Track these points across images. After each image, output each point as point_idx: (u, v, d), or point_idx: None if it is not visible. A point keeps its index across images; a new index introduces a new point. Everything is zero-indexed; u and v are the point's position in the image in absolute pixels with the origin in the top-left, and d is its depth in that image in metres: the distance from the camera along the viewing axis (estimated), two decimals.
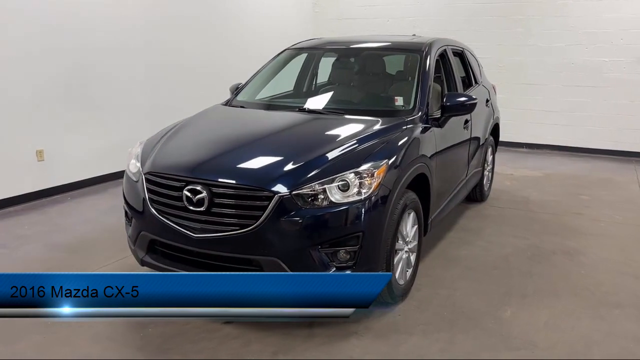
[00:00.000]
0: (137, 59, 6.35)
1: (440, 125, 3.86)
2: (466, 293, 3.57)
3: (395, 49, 4.53)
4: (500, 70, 8.78)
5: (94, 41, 5.77)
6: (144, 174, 3.13)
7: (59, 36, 5.41)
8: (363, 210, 2.86)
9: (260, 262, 2.82)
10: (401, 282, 3.38)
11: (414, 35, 5.52)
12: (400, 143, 3.27)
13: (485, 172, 5.64)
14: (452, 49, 4.84)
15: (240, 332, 3.03)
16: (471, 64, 5.30)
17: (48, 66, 5.35)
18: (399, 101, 3.87)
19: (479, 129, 5.03)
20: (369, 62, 4.47)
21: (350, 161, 2.96)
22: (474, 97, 3.93)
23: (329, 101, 4.12)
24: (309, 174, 2.86)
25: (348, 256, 2.88)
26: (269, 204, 2.76)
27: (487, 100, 5.34)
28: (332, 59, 4.62)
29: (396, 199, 3.07)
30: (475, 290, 3.61)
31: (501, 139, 8.91)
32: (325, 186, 2.83)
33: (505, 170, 7.17)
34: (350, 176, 2.88)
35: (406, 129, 3.47)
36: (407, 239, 3.41)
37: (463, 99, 3.85)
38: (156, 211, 3.06)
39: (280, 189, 2.78)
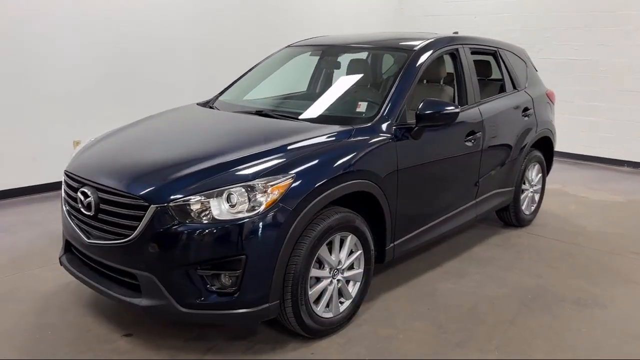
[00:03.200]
0: (186, 56, 6.44)
1: (415, 137, 3.31)
2: (411, 338, 3.01)
3: (384, 48, 4.00)
4: (598, 74, 7.58)
5: (135, 38, 5.94)
6: (64, 172, 3.08)
7: (105, 33, 5.64)
8: (247, 230, 2.49)
9: (137, 277, 2.60)
10: (327, 315, 2.94)
11: (456, 32, 4.89)
12: (325, 156, 2.83)
13: (528, 193, 4.83)
14: (474, 47, 4.18)
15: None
16: (508, 66, 4.55)
17: (87, 62, 5.60)
18: (362, 107, 3.39)
19: (506, 142, 4.30)
20: (352, 63, 4.01)
21: (246, 173, 2.61)
22: (455, 106, 3.31)
23: (291, 104, 3.76)
24: (194, 184, 2.56)
25: (230, 282, 2.54)
26: (145, 214, 2.52)
27: (526, 109, 4.54)
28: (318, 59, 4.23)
29: (305, 220, 2.65)
30: (424, 335, 3.04)
31: (597, 154, 7.82)
32: (210, 199, 2.51)
33: (580, 192, 6.15)
34: (238, 190, 2.53)
35: (350, 139, 3.01)
36: (340, 267, 2.96)
37: (440, 107, 3.26)
38: (65, 211, 2.99)
39: (158, 198, 2.52)
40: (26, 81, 5.17)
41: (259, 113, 3.45)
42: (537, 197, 5.03)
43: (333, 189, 2.77)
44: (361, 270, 3.10)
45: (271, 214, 2.53)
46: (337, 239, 2.90)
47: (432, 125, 3.34)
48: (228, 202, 2.52)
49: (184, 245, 2.49)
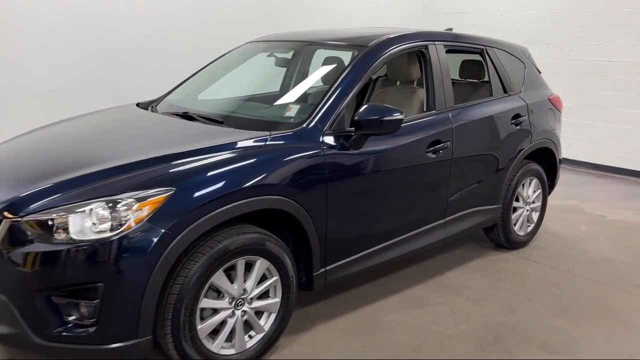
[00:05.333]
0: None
1: (353, 146, 2.86)
2: None
3: (335, 44, 3.53)
4: (635, 78, 6.78)
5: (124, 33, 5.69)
6: None
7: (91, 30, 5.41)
8: (105, 254, 2.14)
9: None
10: (228, 352, 2.55)
11: (449, 28, 4.38)
12: (222, 167, 2.43)
13: (522, 212, 4.25)
14: (451, 45, 3.67)
15: None
16: (498, 67, 3.99)
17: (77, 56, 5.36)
18: (292, 111, 2.97)
19: (486, 153, 3.76)
20: (300, 61, 3.59)
21: (114, 185, 2.25)
22: (398, 113, 2.84)
23: (230, 106, 3.37)
24: (54, 196, 2.22)
25: (87, 312, 2.19)
26: None
27: (517, 116, 3.96)
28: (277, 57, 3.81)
29: (185, 242, 2.26)
30: None
31: (631, 166, 6.99)
32: (69, 215, 2.17)
33: (599, 210, 5.45)
34: (100, 205, 2.18)
35: (261, 148, 2.60)
36: (246, 296, 2.56)
37: (382, 114, 2.80)
38: None
39: (14, 211, 2.21)
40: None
41: (184, 116, 3.09)
42: (535, 215, 4.42)
43: (228, 207, 2.38)
44: (278, 299, 2.69)
45: (137, 234, 2.16)
46: (240, 264, 2.50)
47: (373, 134, 2.88)
48: (90, 219, 2.17)
49: (37, 267, 2.16)
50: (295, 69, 4.04)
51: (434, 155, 3.31)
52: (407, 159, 3.19)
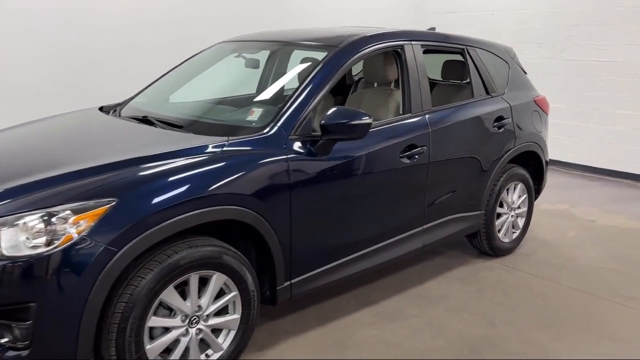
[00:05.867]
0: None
1: (321, 152, 2.71)
2: None
3: (305, 44, 3.37)
4: (628, 78, 6.62)
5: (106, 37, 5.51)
6: None
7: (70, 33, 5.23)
8: (38, 271, 1.98)
9: None
10: None
11: (432, 28, 4.23)
12: (171, 176, 2.27)
13: (507, 218, 4.09)
14: (428, 45, 3.51)
15: None
16: (480, 68, 3.83)
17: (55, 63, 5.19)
18: (255, 114, 2.80)
19: (467, 157, 3.60)
20: (269, 62, 3.43)
21: (51, 196, 2.09)
22: (366, 117, 2.68)
23: (186, 110, 3.20)
24: None
25: (20, 335, 2.03)
26: None
27: (500, 119, 3.80)
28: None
29: (128, 257, 2.10)
30: None
31: (625, 169, 6.82)
32: (1, 229, 2.01)
33: (590, 214, 5.28)
34: (34, 218, 2.02)
35: (216, 155, 2.44)
36: (201, 313, 2.40)
37: (349, 118, 2.64)
38: None
39: None
40: None
41: (144, 120, 2.93)
42: (520, 221, 4.26)
43: (177, 219, 2.22)
44: (237, 316, 2.53)
45: (74, 249, 2.00)
46: (193, 280, 2.34)
47: (342, 139, 2.72)
48: (24, 233, 2.00)
49: None
50: (271, 71, 3.88)
51: (408, 161, 3.15)
52: (380, 164, 3.03)
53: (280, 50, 3.77)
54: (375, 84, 3.80)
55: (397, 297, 3.46)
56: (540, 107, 4.26)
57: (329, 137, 2.69)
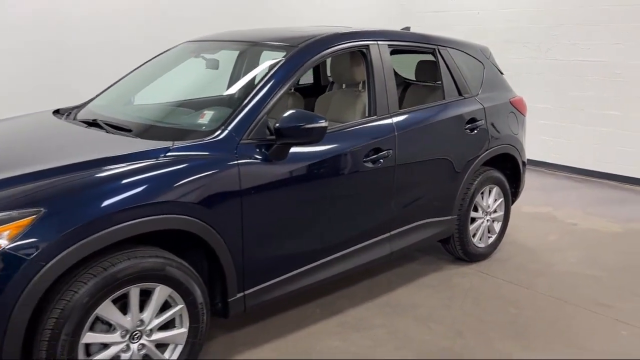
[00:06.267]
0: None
1: (275, 156, 2.59)
2: None
3: (264, 44, 3.25)
4: (614, 78, 6.51)
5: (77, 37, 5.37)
6: None
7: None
8: None
9: None
10: None
11: (406, 27, 4.12)
12: (106, 184, 2.15)
13: (482, 222, 3.98)
14: (396, 45, 3.40)
15: None
16: (452, 68, 3.71)
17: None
18: (206, 117, 2.68)
19: (437, 161, 3.49)
20: (240, 63, 3.34)
21: None
22: (322, 120, 2.56)
23: (141, 112, 3.08)
24: None
25: None
26: None
27: (473, 121, 3.69)
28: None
29: (56, 270, 1.98)
30: None
31: (611, 170, 6.72)
32: None
33: (572, 217, 5.18)
34: None
35: (158, 161, 2.31)
36: (144, 328, 2.28)
37: (304, 121, 2.53)
38: None
39: None
40: None
41: (94, 124, 2.80)
42: (497, 226, 4.15)
43: (112, 229, 2.10)
44: (184, 330, 2.41)
45: None
46: (134, 293, 2.22)
47: (297, 143, 2.60)
48: None
49: None
50: (240, 72, 3.75)
51: (372, 165, 3.03)
52: (341, 169, 2.91)
53: (249, 51, 3.65)
54: (344, 85, 3.68)
55: (364, 305, 3.34)
56: (516, 108, 4.15)
57: (283, 141, 2.57)
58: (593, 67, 6.70)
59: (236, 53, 3.47)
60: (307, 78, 4.67)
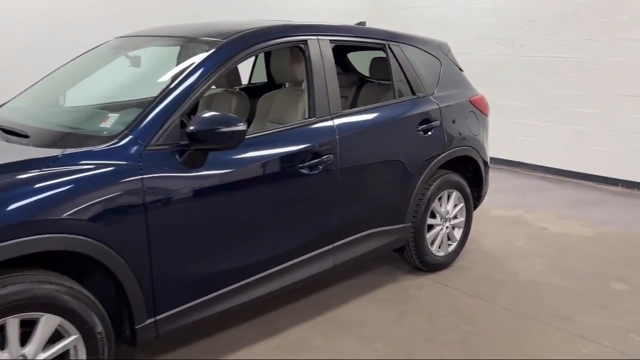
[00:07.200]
0: None
1: (189, 164, 2.31)
2: None
3: (188, 39, 2.96)
4: (588, 75, 6.29)
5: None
6: None
7: None
8: None
9: None
10: None
11: (361, 22, 3.85)
12: None
13: (441, 229, 3.73)
14: (340, 41, 3.13)
15: None
16: (404, 65, 3.45)
17: None
18: (109, 121, 2.40)
19: (385, 165, 3.22)
20: (146, 60, 3.03)
21: None
22: (241, 123, 2.29)
23: (48, 116, 2.78)
24: None
25: None
26: None
27: (427, 121, 3.43)
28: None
29: None
30: None
31: (587, 170, 6.50)
32: None
33: (543, 221, 4.94)
34: None
35: (42, 172, 2.02)
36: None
37: (218, 125, 2.25)
38: None
39: None
40: None
41: None
42: (458, 233, 3.89)
43: None
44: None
45: None
46: (12, 325, 1.93)
47: (212, 148, 2.32)
48: None
49: None
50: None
51: (310, 171, 2.76)
52: (271, 176, 2.64)
53: (184, 47, 3.36)
54: (287, 84, 3.41)
55: (306, 324, 3.07)
56: (477, 107, 3.90)
57: (198, 147, 2.29)
58: (568, 64, 6.49)
59: (165, 49, 3.17)
60: (261, 76, 4.39)
